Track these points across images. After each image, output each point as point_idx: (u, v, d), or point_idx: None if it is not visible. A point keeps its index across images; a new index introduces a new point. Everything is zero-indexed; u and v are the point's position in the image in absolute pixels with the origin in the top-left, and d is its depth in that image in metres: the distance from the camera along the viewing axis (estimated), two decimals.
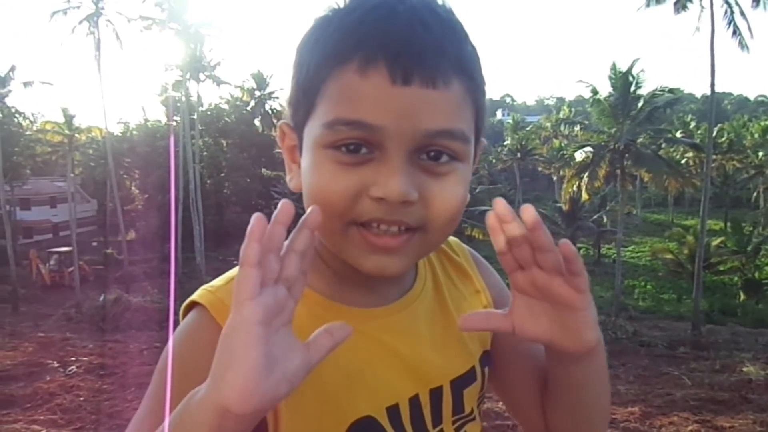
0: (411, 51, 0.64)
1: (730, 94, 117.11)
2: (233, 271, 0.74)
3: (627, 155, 26.76)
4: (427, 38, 0.65)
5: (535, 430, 0.90)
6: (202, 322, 0.70)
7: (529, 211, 0.61)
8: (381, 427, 0.74)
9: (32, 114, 48.68)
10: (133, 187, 49.92)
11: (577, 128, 31.55)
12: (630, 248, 42.73)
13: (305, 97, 0.70)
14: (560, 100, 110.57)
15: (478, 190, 36.04)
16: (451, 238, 0.92)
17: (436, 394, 0.79)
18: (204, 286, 0.73)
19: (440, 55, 0.65)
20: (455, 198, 0.69)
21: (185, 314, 0.75)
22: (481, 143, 0.78)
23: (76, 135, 39.53)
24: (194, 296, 0.73)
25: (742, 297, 31.43)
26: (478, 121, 0.72)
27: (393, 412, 0.75)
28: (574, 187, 28.65)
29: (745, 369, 14.38)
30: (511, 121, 67.33)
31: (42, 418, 10.63)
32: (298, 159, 0.74)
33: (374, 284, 0.77)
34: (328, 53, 0.67)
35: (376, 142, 0.65)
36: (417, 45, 0.64)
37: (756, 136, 52.62)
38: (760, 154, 49.62)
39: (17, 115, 37.21)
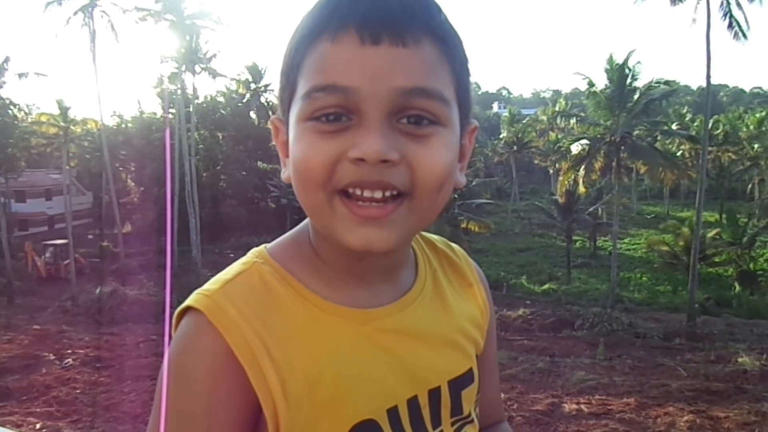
0: (379, 14, 0.66)
1: (726, 86, 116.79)
2: (227, 273, 0.74)
3: (623, 147, 26.78)
4: (395, 3, 0.67)
5: None
6: (201, 327, 0.69)
7: None
8: (381, 430, 0.73)
9: (27, 106, 48.46)
10: (128, 180, 49.78)
11: (573, 121, 31.60)
12: (626, 240, 42.83)
13: (288, 81, 0.71)
14: (556, 93, 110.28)
15: (474, 183, 35.98)
16: (457, 247, 0.93)
17: (434, 395, 0.79)
18: (198, 291, 0.71)
19: (408, 16, 0.66)
20: (440, 161, 0.68)
21: (179, 320, 0.72)
22: (471, 124, 0.77)
23: (71, 127, 39.43)
24: (189, 301, 0.70)
25: (737, 288, 31.55)
26: (461, 94, 0.72)
27: (393, 414, 0.74)
28: (570, 180, 28.71)
29: (740, 360, 14.45)
30: (507, 113, 67.30)
31: (38, 410, 10.64)
32: None
33: (372, 282, 0.77)
34: (305, 33, 0.69)
35: (353, 107, 0.65)
36: (385, 8, 0.66)
37: (751, 127, 52.74)
38: (756, 145, 49.74)
39: (12, 107, 36.97)
